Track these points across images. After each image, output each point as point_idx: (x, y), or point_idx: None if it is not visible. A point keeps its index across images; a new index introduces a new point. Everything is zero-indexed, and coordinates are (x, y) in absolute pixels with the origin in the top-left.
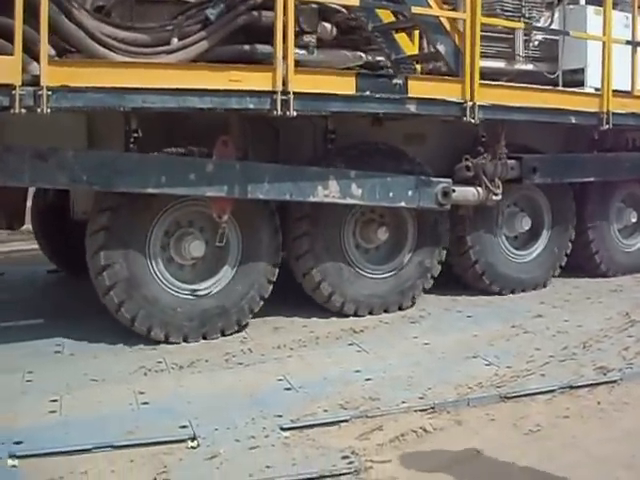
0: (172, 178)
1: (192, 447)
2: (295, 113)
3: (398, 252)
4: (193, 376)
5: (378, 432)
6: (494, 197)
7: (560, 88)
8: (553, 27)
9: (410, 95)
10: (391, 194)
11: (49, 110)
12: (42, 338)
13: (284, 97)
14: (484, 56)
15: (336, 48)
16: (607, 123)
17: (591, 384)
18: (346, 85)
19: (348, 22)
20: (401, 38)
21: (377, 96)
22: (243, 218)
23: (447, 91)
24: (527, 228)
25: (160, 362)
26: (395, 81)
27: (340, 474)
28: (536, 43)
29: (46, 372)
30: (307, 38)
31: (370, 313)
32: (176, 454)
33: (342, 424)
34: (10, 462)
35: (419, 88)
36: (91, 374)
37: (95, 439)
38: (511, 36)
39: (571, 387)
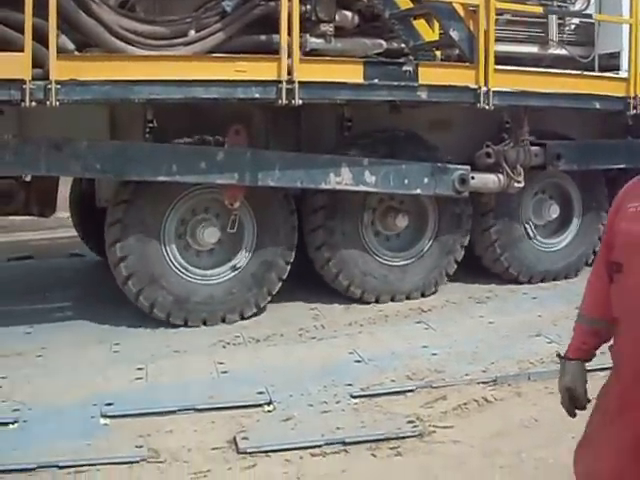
0: (183, 166)
1: (268, 411)
2: (300, 102)
3: (419, 239)
4: (269, 349)
5: (442, 401)
6: (516, 184)
7: (583, 72)
8: (589, 11)
9: (421, 82)
10: (406, 181)
11: (57, 103)
12: (124, 315)
13: (289, 86)
14: (515, 41)
15: (359, 36)
16: (635, 108)
17: None
18: (354, 73)
19: (370, 10)
20: (420, 25)
21: (386, 84)
22: (258, 204)
23: (460, 77)
24: (555, 216)
25: (238, 336)
26: (405, 68)
27: (405, 437)
28: (572, 27)
29: (131, 344)
30: (324, 27)
31: (392, 300)
32: (253, 417)
33: (408, 393)
34: (102, 421)
35: (430, 75)
36: (173, 346)
37: (179, 402)
38: (545, 20)
39: None
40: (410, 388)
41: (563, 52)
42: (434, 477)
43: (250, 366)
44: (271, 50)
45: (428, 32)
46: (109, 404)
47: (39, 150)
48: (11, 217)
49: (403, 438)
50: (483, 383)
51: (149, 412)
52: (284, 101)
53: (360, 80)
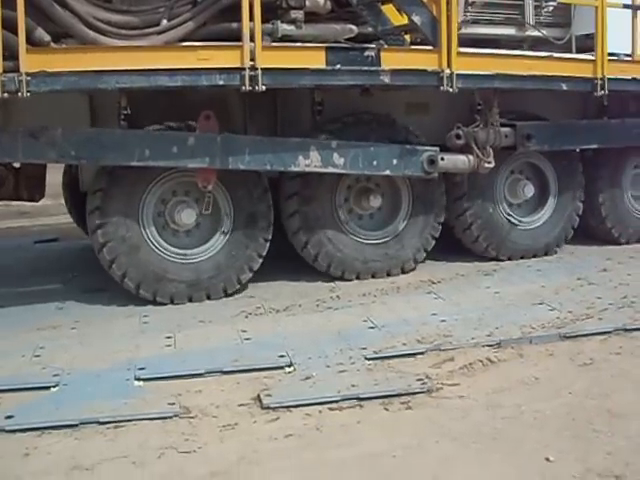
0: (155, 151)
1: (289, 372)
2: (264, 88)
3: (394, 218)
4: (288, 318)
5: (449, 362)
6: (486, 165)
7: (551, 54)
8: None
9: (384, 67)
10: (375, 163)
11: (28, 94)
12: None
13: (252, 73)
14: (492, 23)
15: (333, 22)
16: (602, 89)
17: None
18: (316, 59)
19: None
20: (389, 10)
21: (349, 69)
22: (232, 185)
23: (423, 61)
24: (530, 195)
25: (259, 307)
26: (367, 53)
27: (415, 393)
28: (550, 9)
29: (158, 316)
30: (295, 13)
31: (373, 277)
32: (275, 377)
33: (418, 356)
34: (136, 383)
35: (393, 59)
36: (198, 317)
37: (206, 366)
38: (521, 2)
39: (625, 329)
40: (420, 351)
41: (541, 34)
42: (441, 427)
43: (271, 333)
44: (239, 37)
45: (397, 17)
46: (142, 368)
47: (16, 138)
48: (29, 203)
49: (413, 394)
50: (488, 346)
51: (179, 375)
52: (247, 87)
53: (322, 65)
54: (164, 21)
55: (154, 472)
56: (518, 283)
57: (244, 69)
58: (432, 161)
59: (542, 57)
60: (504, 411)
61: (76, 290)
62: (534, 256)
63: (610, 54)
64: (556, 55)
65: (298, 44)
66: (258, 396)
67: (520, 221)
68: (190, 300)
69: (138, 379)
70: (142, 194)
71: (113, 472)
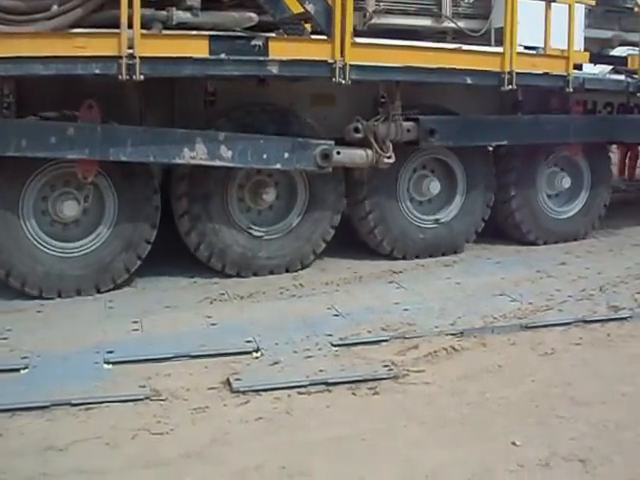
0: (33, 142)
1: (256, 357)
2: (142, 77)
3: (287, 214)
4: (253, 305)
5: (414, 350)
6: (386, 160)
7: (459, 47)
8: None
9: (272, 57)
10: (265, 156)
11: None
12: None
13: (130, 62)
14: (406, 14)
15: (237, 9)
16: (510, 84)
17: (603, 319)
18: (199, 48)
19: None
20: None
21: (234, 58)
22: (119, 179)
23: (316, 51)
24: (436, 192)
25: (223, 294)
26: (254, 42)
27: (381, 379)
28: (470, 0)
29: (124, 302)
30: (191, 1)
31: (254, 275)
32: (243, 362)
33: (383, 343)
34: (106, 366)
35: (282, 49)
36: (164, 303)
37: (174, 350)
38: None
39: (585, 321)
40: (385, 338)
41: (459, 25)
42: (408, 412)
43: (237, 319)
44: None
45: (296, 5)
46: (110, 352)
47: None
48: None
49: (380, 380)
50: (451, 335)
51: (147, 359)
52: (124, 77)
53: (206, 55)
54: (54, 7)
55: (128, 453)
56: (478, 274)
57: (121, 57)
58: (326, 155)
59: (446, 49)
60: (469, 397)
61: None
62: (443, 254)
63: (530, 48)
64: (458, 47)
65: (180, 32)
66: (227, 380)
67: (423, 219)
68: (79, 294)
69: (107, 362)
70: (23, 184)
71: (87, 453)
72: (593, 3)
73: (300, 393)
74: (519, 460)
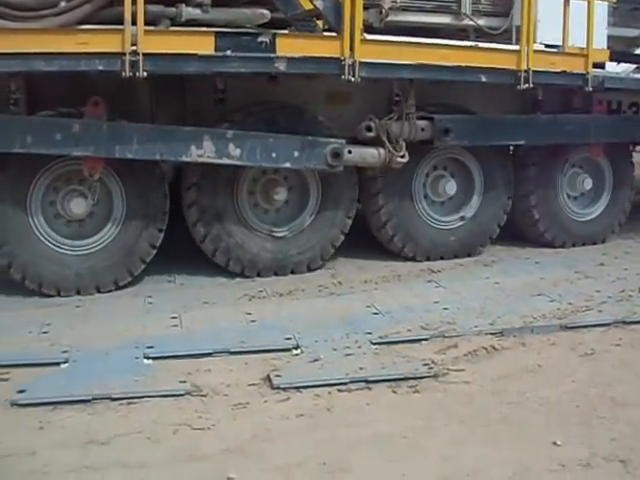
0: (38, 138)
1: (296, 354)
2: (145, 74)
3: (299, 213)
4: (292, 302)
5: (453, 349)
6: (399, 159)
7: (475, 45)
8: None
9: (279, 53)
10: (274, 155)
11: None
12: (153, 273)
13: (133, 58)
14: (424, 11)
15: (253, 6)
16: (526, 82)
17: None
18: (204, 45)
19: None
20: None
21: (240, 55)
22: (128, 177)
23: (324, 48)
24: (452, 193)
25: (261, 291)
26: (261, 39)
27: (422, 377)
28: None
29: (163, 297)
30: None
31: (275, 274)
32: (283, 359)
33: (423, 342)
34: (146, 361)
35: (290, 46)
36: (202, 299)
37: (214, 346)
38: None
39: (624, 322)
40: (425, 337)
41: (480, 23)
42: (449, 410)
43: (276, 316)
44: (145, 21)
45: (307, 1)
46: (150, 347)
47: None
48: None
49: (420, 378)
50: (491, 334)
51: (187, 354)
52: (127, 73)
53: (211, 52)
54: (62, 3)
55: (170, 447)
56: (517, 275)
57: (124, 54)
58: (337, 154)
59: (459, 46)
60: (509, 397)
61: None
62: (455, 257)
63: (550, 46)
64: (474, 44)
65: (184, 28)
66: (268, 376)
67: (440, 220)
68: (78, 293)
69: (147, 357)
70: (31, 181)
71: (129, 447)
72: (614, 0)
73: (340, 390)
74: (560, 460)
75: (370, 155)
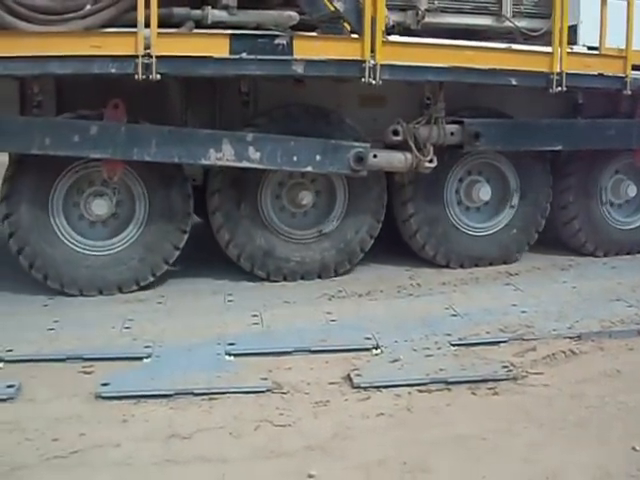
0: (56, 140)
1: (376, 354)
2: (159, 76)
3: (325, 217)
4: (371, 302)
5: (532, 352)
6: (427, 164)
7: (507, 46)
8: None
9: (296, 56)
10: (295, 158)
11: None
12: (233, 271)
13: (146, 61)
14: (463, 12)
15: (282, 8)
16: (559, 85)
17: None
18: (219, 47)
19: None
20: None
21: (255, 58)
22: (150, 178)
23: (344, 50)
24: (487, 198)
25: (341, 291)
26: (278, 41)
27: (501, 379)
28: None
29: (243, 295)
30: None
31: (302, 278)
32: (363, 358)
33: (501, 344)
34: (227, 358)
35: (308, 48)
36: (283, 298)
37: (294, 344)
38: None
39: None
40: (503, 339)
41: (521, 24)
42: (527, 413)
43: (355, 316)
44: (171, 23)
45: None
46: (231, 344)
47: None
48: None
49: (499, 380)
50: (569, 338)
51: (269, 352)
52: (141, 76)
53: (226, 54)
54: (88, 6)
55: (251, 443)
56: (594, 279)
57: (137, 57)
58: (360, 158)
59: (487, 48)
60: (588, 401)
61: None
62: (490, 264)
63: (592, 48)
64: (504, 46)
65: (199, 31)
66: (348, 375)
67: (475, 227)
68: (101, 293)
69: (229, 354)
70: (53, 183)
71: (211, 441)
72: None
73: (420, 391)
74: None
75: (397, 160)
